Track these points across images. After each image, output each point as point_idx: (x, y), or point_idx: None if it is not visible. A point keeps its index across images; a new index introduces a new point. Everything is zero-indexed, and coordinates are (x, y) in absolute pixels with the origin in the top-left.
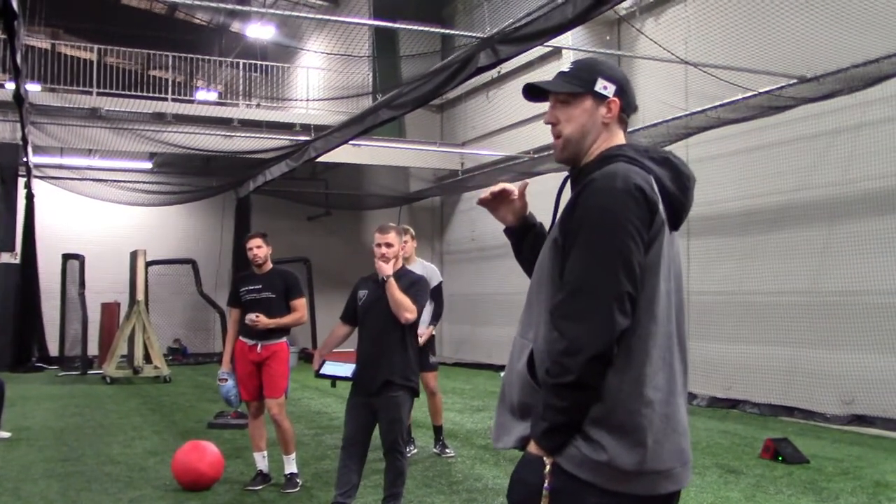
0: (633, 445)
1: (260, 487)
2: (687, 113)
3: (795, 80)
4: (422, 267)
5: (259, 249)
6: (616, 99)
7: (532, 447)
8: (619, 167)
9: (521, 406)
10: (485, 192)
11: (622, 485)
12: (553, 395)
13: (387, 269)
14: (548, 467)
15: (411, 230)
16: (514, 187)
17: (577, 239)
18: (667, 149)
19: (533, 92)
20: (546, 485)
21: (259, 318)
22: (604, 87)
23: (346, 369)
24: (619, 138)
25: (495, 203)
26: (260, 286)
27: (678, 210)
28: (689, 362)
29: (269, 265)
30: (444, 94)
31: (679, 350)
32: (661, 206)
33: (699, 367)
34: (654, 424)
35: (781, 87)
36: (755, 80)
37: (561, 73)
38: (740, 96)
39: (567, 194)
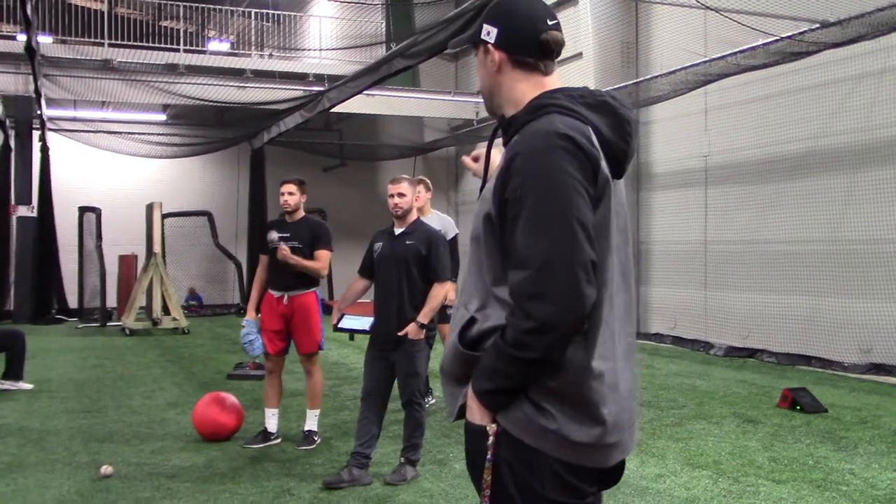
0: (588, 419)
1: (261, 446)
2: (706, 59)
3: (818, 25)
4: (437, 219)
5: (291, 196)
6: (491, 45)
7: (474, 414)
8: (548, 122)
9: (454, 375)
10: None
11: (573, 456)
12: (507, 363)
13: (416, 334)
14: (491, 438)
15: (427, 181)
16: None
17: (522, 209)
18: (685, 93)
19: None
20: (489, 456)
21: (283, 248)
22: (486, 32)
23: (364, 322)
24: (539, 83)
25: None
26: (288, 234)
27: (620, 159)
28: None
29: (301, 213)
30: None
31: (630, 314)
32: (602, 163)
33: (717, 316)
34: (607, 397)
35: (803, 32)
36: (776, 24)
37: None
38: (761, 42)
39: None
